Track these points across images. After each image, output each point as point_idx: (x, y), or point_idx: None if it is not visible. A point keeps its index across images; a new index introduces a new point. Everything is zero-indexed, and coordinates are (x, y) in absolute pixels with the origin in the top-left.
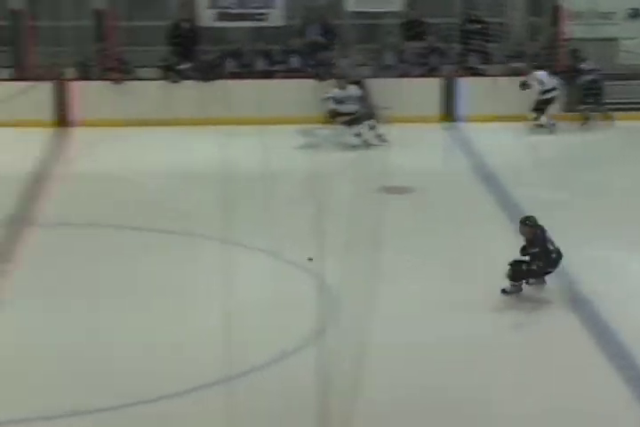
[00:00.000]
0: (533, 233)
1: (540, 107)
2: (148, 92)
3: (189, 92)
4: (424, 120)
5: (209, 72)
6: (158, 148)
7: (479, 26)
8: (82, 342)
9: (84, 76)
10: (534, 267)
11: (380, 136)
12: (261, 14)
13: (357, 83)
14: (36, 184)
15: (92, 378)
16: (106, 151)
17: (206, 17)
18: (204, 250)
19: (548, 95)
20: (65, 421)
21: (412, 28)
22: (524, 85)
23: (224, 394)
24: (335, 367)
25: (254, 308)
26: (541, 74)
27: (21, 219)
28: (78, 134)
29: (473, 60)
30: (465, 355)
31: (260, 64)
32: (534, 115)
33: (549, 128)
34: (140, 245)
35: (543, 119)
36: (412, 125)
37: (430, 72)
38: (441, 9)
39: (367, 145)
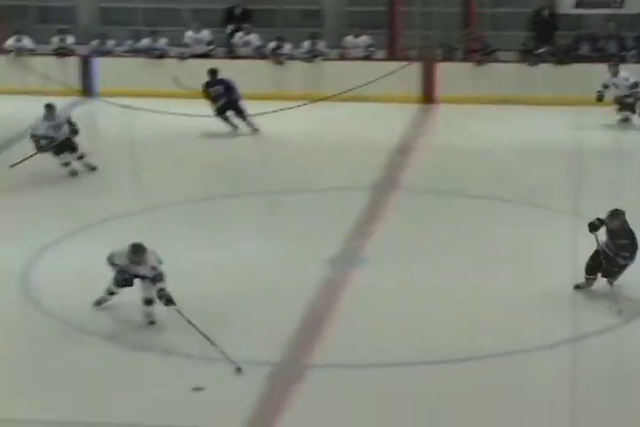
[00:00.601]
0: (621, 225)
1: None
2: (507, 74)
3: (545, 75)
4: None
5: (564, 56)
6: (512, 124)
7: None
8: (435, 295)
9: (449, 57)
10: (621, 261)
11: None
12: (620, 1)
13: None
14: (401, 154)
15: (452, 326)
16: (464, 126)
17: (566, 4)
18: (552, 221)
19: None
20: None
21: None
22: None
23: (565, 354)
24: None
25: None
26: None
27: (387, 185)
28: (441, 110)
29: None
30: None
31: (613, 49)
32: None
33: None
34: (492, 213)
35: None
36: None
37: None
38: None
39: None
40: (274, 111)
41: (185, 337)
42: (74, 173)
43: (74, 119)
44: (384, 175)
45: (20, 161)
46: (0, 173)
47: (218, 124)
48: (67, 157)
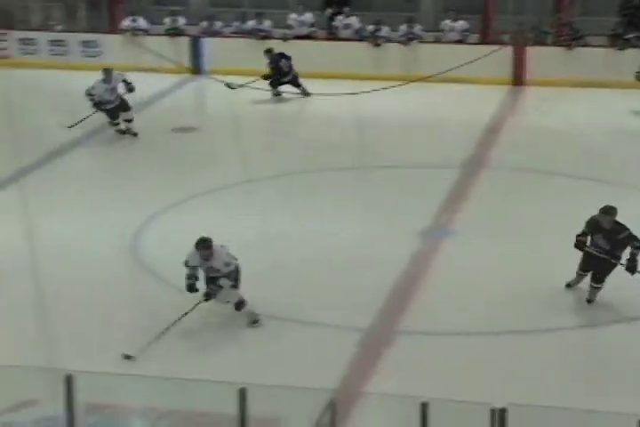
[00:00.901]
0: (614, 220)
1: None
2: (596, 58)
3: (633, 59)
4: None
5: None
6: (601, 107)
7: None
8: (529, 269)
9: (540, 41)
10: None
11: None
12: None
13: None
14: (491, 134)
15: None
16: (553, 108)
17: None
18: (629, 199)
19: None
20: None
21: None
22: None
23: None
24: None
25: None
26: None
27: (477, 162)
28: (530, 92)
29: None
30: None
31: None
32: None
33: None
34: (581, 193)
35: None
36: None
37: None
38: None
39: None
40: (370, 91)
41: (278, 301)
42: (121, 132)
43: (179, 94)
44: (474, 154)
45: (79, 121)
46: (112, 142)
47: (318, 103)
48: (119, 118)
